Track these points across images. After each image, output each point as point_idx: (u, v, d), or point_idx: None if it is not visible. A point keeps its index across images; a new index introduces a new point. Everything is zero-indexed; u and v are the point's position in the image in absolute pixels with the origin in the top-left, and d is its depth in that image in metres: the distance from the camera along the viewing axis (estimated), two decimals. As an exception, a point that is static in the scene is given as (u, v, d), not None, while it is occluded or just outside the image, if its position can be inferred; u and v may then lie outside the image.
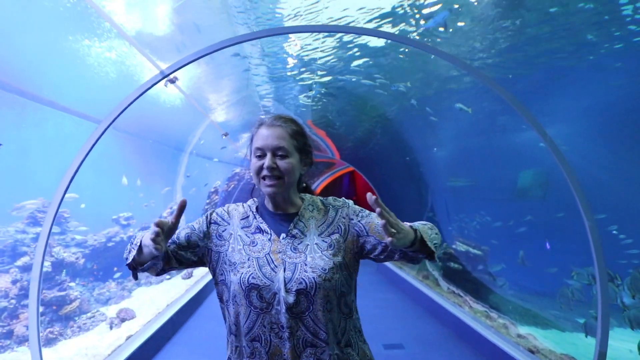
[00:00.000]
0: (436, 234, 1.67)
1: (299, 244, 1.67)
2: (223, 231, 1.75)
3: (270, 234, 1.70)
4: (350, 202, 1.86)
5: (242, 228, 1.75)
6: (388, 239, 1.36)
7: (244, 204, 1.87)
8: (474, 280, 7.27)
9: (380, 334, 5.97)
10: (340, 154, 14.99)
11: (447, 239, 8.58)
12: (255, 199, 1.88)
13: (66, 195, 3.19)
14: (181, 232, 1.75)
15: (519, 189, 6.52)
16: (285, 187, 1.72)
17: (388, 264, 11.16)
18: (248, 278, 1.58)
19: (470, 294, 7.06)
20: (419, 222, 1.69)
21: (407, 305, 8.06)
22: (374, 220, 1.75)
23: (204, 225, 1.77)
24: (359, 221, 1.76)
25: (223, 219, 1.79)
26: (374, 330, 6.18)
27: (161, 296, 7.98)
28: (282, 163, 1.68)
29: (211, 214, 1.82)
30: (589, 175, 4.35)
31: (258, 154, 1.69)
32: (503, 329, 5.63)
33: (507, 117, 6.17)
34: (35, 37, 5.02)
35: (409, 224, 1.58)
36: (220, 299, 1.75)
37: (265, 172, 1.67)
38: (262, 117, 1.79)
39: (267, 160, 1.66)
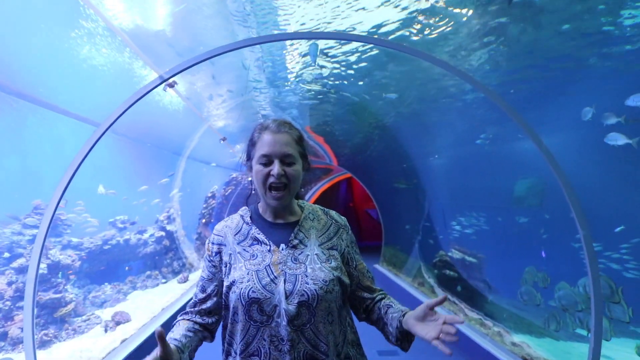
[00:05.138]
0: None
1: (299, 255, 1.65)
2: (227, 254, 1.70)
3: (270, 245, 1.66)
4: (350, 230, 1.86)
5: (238, 244, 1.70)
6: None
7: (235, 216, 1.83)
8: (469, 288, 7.27)
9: (375, 341, 5.92)
10: (337, 160, 14.99)
11: (443, 246, 8.59)
12: (247, 207, 1.85)
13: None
14: (198, 294, 1.74)
15: (515, 197, 6.54)
16: (290, 195, 1.70)
17: (384, 269, 11.16)
18: (248, 292, 1.55)
19: (465, 302, 7.06)
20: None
21: (402, 312, 8.03)
22: (362, 262, 1.82)
23: (209, 265, 1.73)
24: (352, 252, 1.79)
25: (220, 243, 1.74)
26: (368, 337, 6.14)
27: (157, 300, 7.96)
28: (289, 170, 1.65)
29: (208, 246, 1.77)
30: (585, 185, 4.37)
31: (264, 162, 1.65)
32: (497, 336, 5.64)
33: (502, 126, 6.20)
34: (33, 39, 5.03)
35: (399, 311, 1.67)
36: (224, 322, 1.72)
37: (273, 180, 1.63)
38: (263, 121, 1.75)
39: (276, 168, 1.62)
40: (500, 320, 6.01)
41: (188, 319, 1.72)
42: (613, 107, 4.65)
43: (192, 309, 1.74)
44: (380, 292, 1.82)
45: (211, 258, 1.73)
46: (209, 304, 1.71)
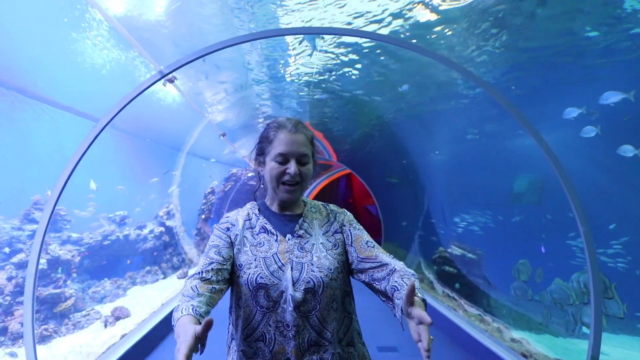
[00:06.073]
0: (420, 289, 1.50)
1: (305, 244, 1.69)
2: (234, 234, 1.73)
3: (277, 235, 1.70)
4: (349, 212, 1.89)
5: (247, 229, 1.74)
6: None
7: (244, 208, 1.86)
8: (468, 284, 7.28)
9: (375, 336, 5.98)
10: (337, 156, 14.98)
11: (442, 242, 8.59)
12: (255, 201, 1.89)
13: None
14: (212, 256, 1.62)
15: (515, 194, 6.54)
16: (302, 191, 1.75)
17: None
18: (256, 278, 1.58)
19: (464, 298, 7.07)
20: (405, 270, 1.58)
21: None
22: (362, 235, 1.77)
23: (223, 235, 1.72)
24: (349, 229, 1.79)
25: (230, 222, 1.77)
26: (369, 333, 6.16)
27: (156, 295, 7.97)
28: (303, 169, 1.71)
29: (219, 225, 1.77)
30: (585, 181, 4.38)
31: (280, 160, 1.68)
32: (497, 332, 5.65)
33: (502, 123, 6.20)
34: (33, 34, 5.01)
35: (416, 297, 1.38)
36: (230, 306, 1.72)
37: (288, 178, 1.68)
38: (278, 119, 1.78)
39: (292, 167, 1.67)
40: (499, 316, 6.02)
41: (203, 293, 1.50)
42: (614, 106, 4.66)
43: (206, 269, 1.56)
44: (383, 267, 1.63)
45: (224, 232, 1.73)
46: (227, 265, 1.62)
